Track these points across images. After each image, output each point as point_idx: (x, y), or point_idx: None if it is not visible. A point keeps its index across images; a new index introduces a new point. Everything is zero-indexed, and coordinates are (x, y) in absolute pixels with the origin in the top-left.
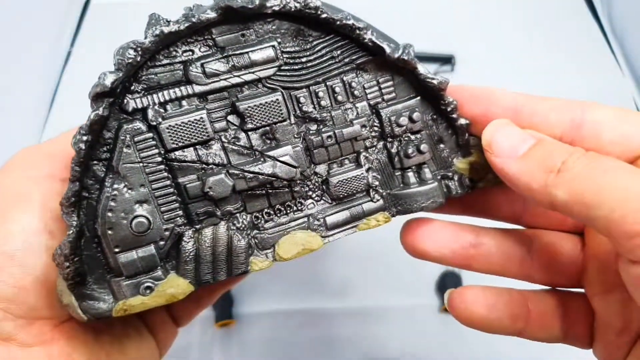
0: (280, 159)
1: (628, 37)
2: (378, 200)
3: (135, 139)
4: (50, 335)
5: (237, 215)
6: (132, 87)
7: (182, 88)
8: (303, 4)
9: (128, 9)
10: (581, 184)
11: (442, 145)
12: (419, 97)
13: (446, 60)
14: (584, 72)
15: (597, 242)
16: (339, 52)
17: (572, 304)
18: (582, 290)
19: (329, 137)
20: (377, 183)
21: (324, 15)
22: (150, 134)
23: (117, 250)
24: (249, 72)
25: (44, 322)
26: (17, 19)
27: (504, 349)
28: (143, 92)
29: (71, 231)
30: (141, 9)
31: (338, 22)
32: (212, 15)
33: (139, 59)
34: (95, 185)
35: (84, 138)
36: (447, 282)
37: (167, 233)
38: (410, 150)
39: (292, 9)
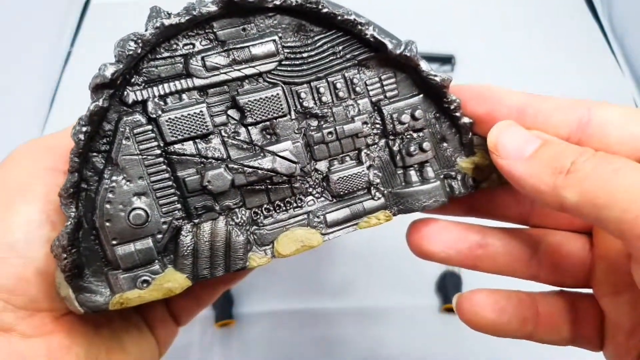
0: (280, 154)
1: (628, 37)
2: (379, 198)
3: (135, 131)
4: (50, 327)
5: (236, 210)
6: (133, 80)
7: (183, 81)
8: None
9: (128, 9)
10: (592, 185)
11: (445, 144)
12: (421, 95)
13: (446, 60)
14: (584, 72)
15: (606, 242)
16: (340, 47)
17: (581, 305)
18: (590, 291)
19: (330, 133)
20: (378, 181)
21: (325, 10)
22: (150, 127)
23: (114, 242)
24: (250, 66)
25: (44, 314)
26: (17, 19)
27: (504, 349)
28: (143, 84)
29: (69, 222)
30: (141, 8)
31: (339, 17)
32: (213, 8)
33: (139, 51)
34: (94, 177)
35: (84, 129)
36: (447, 282)
37: (165, 226)
38: (412, 148)
39: (293, 4)
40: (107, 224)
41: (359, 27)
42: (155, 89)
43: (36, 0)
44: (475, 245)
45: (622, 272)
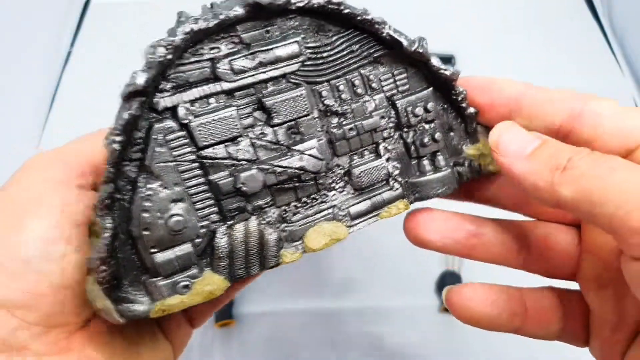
0: (307, 152)
1: (628, 37)
2: (397, 188)
3: (167, 137)
4: (65, 343)
5: (267, 209)
6: (161, 86)
7: (211, 85)
8: (326, 0)
9: (128, 9)
10: (587, 182)
11: (452, 134)
12: (431, 88)
13: (446, 60)
14: (584, 72)
15: (594, 236)
16: (357, 46)
17: (568, 301)
18: (577, 287)
19: (351, 129)
20: (397, 172)
21: (346, 11)
22: (183, 133)
23: (153, 250)
24: (275, 68)
25: (58, 330)
26: (17, 19)
27: (504, 349)
28: (172, 90)
29: (107, 234)
30: (141, 8)
31: (359, 17)
32: (240, 11)
33: (169, 56)
34: (127, 186)
35: (118, 139)
36: (447, 282)
37: (203, 230)
38: (426, 140)
39: (316, 5)
40: (145, 232)
41: (376, 26)
42: (184, 94)
43: (36, 0)
44: (470, 234)
45: (607, 267)
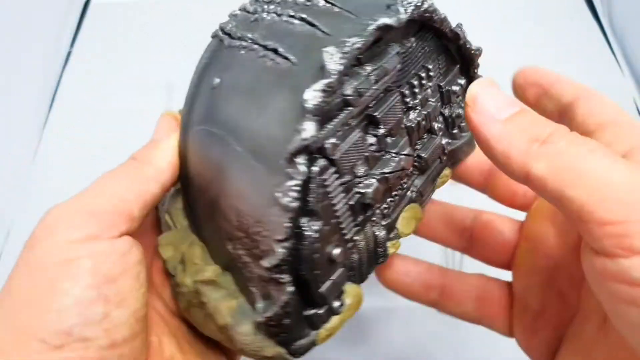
0: (403, 152)
1: (628, 37)
2: (444, 159)
3: (322, 177)
4: None
5: (374, 211)
6: None
7: (343, 114)
8: (423, 10)
9: (128, 9)
10: (564, 160)
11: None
12: (458, 65)
13: None
14: (584, 72)
15: (536, 226)
16: (426, 43)
17: (491, 286)
18: (503, 278)
19: (423, 119)
20: (449, 147)
21: (436, 17)
22: (332, 168)
23: (320, 285)
24: (384, 82)
25: None
26: (17, 19)
27: (504, 350)
28: (318, 128)
29: (290, 288)
30: (141, 8)
31: (436, 17)
32: (372, 38)
33: (328, 99)
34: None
35: (297, 196)
36: None
37: (350, 251)
38: (461, 111)
39: (416, 15)
40: (316, 272)
41: (444, 23)
42: (326, 128)
43: (36, 0)
44: None
45: (542, 257)
